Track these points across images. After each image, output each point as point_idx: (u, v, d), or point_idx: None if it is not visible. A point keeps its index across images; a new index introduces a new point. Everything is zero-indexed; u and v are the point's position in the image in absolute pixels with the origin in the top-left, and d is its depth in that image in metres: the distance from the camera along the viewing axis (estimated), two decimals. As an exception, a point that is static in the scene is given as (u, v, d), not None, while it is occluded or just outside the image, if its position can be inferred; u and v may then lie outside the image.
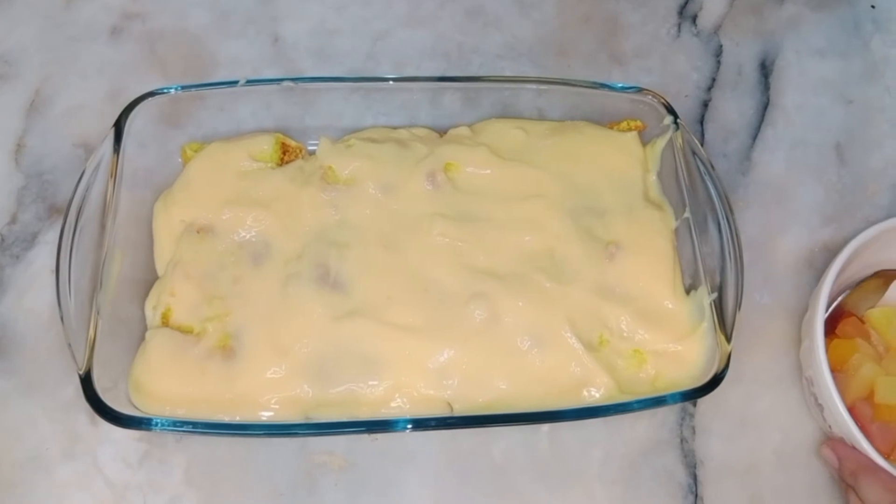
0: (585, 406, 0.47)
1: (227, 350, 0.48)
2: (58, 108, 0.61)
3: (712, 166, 0.51)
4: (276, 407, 0.47)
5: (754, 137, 0.62)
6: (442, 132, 0.58)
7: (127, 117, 0.51)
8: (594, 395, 0.48)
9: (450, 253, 0.51)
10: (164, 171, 0.55)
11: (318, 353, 0.48)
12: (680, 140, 0.53)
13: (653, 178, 0.55)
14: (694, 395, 0.46)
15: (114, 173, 0.50)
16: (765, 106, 0.63)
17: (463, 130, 0.57)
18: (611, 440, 0.51)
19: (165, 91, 0.53)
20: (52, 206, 0.57)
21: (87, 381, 0.44)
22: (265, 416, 0.47)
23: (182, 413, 0.46)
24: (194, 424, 0.44)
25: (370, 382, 0.48)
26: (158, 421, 0.44)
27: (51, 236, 0.56)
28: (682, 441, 0.51)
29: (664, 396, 0.46)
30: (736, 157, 0.61)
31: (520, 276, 0.51)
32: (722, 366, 0.46)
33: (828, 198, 0.60)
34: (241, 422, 0.46)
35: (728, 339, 0.47)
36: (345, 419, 0.47)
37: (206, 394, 0.47)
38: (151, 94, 0.53)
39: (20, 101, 0.61)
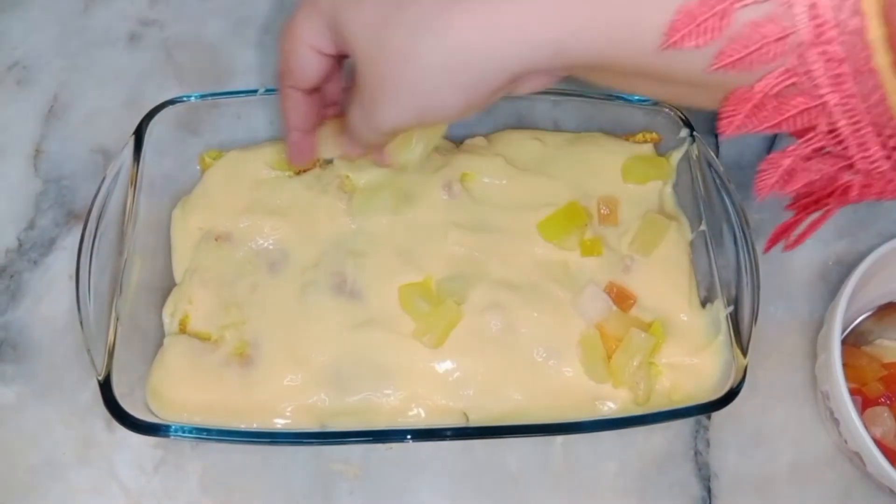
0: (601, 418, 0.47)
1: (245, 358, 0.48)
2: (76, 113, 0.61)
3: (728, 179, 0.51)
4: (293, 415, 0.47)
5: (769, 149, 0.62)
6: (457, 142, 0.58)
7: (147, 125, 0.52)
8: (609, 407, 0.48)
9: (466, 263, 0.51)
10: (183, 179, 0.55)
11: (334, 361, 0.48)
12: (696, 152, 0.53)
13: (668, 190, 0.55)
14: (709, 408, 0.46)
15: (134, 181, 0.50)
16: (779, 118, 0.63)
17: (479, 141, 0.57)
18: (625, 452, 0.51)
19: (185, 99, 0.53)
20: (70, 212, 0.57)
21: (106, 387, 0.44)
22: (281, 423, 0.47)
23: (199, 420, 0.46)
24: (211, 432, 0.45)
25: (386, 392, 0.48)
26: (176, 428, 0.44)
27: (68, 242, 0.56)
28: (696, 454, 0.51)
29: (679, 409, 0.46)
30: (750, 170, 0.60)
31: (535, 286, 0.51)
32: (738, 379, 0.46)
33: (841, 211, 0.59)
34: (258, 430, 0.47)
35: (744, 353, 0.47)
36: (361, 428, 0.47)
37: (222, 401, 0.47)
38: (171, 101, 0.53)
39: (38, 106, 0.61)
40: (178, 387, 0.47)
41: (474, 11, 0.33)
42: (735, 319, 0.48)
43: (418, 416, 0.48)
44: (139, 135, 0.51)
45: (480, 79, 0.34)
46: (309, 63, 0.40)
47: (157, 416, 0.46)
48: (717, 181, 0.51)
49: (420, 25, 0.33)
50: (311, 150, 0.46)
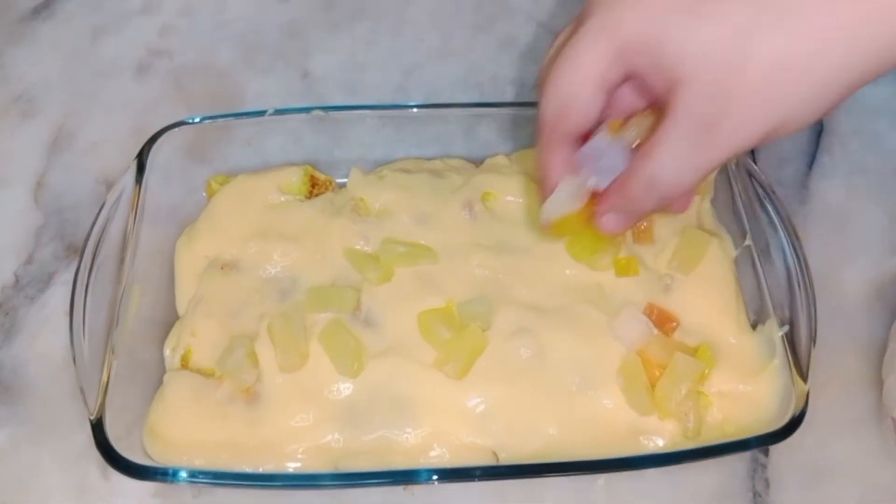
0: (647, 454, 0.43)
1: (251, 394, 0.45)
2: (80, 144, 0.59)
3: (773, 189, 0.48)
4: (303, 456, 0.43)
5: (810, 165, 0.59)
6: (477, 163, 0.55)
7: (150, 149, 0.49)
8: (656, 442, 0.43)
9: (490, 285, 0.47)
10: (189, 207, 0.53)
11: (348, 396, 0.44)
12: (735, 163, 0.50)
13: (706, 205, 0.52)
14: (769, 440, 0.41)
15: (135, 206, 0.47)
16: (819, 132, 0.60)
17: (500, 159, 0.54)
18: (674, 493, 0.46)
19: (190, 122, 0.51)
20: (71, 245, 0.55)
21: (98, 427, 0.40)
22: (291, 466, 0.43)
23: (201, 463, 0.42)
24: (213, 475, 0.41)
25: (405, 429, 0.44)
26: (175, 471, 0.40)
27: (67, 276, 0.53)
28: (755, 495, 0.46)
29: (735, 442, 0.41)
30: (792, 186, 0.57)
31: (566, 309, 0.47)
32: (799, 407, 0.41)
33: (892, 226, 0.56)
34: (266, 472, 0.43)
35: (804, 378, 0.42)
36: (378, 469, 0.42)
37: (227, 441, 0.43)
38: (176, 124, 0.51)
39: (42, 137, 0.59)
40: (179, 426, 0.43)
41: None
42: (790, 341, 0.44)
43: (442, 457, 0.43)
44: (141, 159, 0.49)
45: (850, 74, 0.31)
46: (593, 103, 0.35)
47: (154, 459, 0.42)
48: (761, 192, 0.48)
49: (798, 23, 0.30)
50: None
